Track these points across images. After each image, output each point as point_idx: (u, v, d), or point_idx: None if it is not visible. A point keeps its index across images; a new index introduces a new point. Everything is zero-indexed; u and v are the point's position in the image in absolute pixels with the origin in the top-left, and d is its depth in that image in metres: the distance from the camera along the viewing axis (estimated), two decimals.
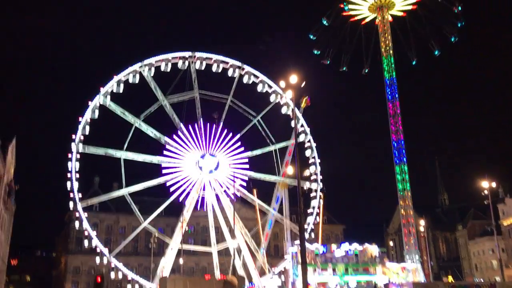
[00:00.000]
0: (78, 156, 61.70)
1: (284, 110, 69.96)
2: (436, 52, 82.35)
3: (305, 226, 68.45)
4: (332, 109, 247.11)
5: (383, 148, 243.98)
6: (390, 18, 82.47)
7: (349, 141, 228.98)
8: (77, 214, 62.27)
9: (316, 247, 67.60)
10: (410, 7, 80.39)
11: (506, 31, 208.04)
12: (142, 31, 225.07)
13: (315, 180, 71.37)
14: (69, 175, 60.73)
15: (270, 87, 70.31)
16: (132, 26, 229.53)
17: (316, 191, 71.11)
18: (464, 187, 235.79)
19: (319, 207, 71.62)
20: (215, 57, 68.64)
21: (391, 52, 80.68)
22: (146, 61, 66.04)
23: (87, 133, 62.62)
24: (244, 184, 70.84)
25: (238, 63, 69.71)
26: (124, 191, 65.36)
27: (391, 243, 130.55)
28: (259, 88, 70.02)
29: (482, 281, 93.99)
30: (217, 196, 71.11)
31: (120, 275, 63.98)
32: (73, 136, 61.87)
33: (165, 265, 69.64)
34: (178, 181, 68.18)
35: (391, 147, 78.87)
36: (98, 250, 64.22)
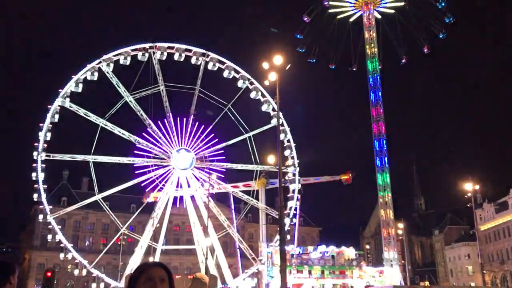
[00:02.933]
0: (44, 165, 59.58)
1: (253, 95, 67.31)
2: (425, 50, 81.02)
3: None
4: (314, 109, 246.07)
5: (360, 149, 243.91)
6: (378, 15, 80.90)
7: (328, 142, 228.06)
8: (41, 206, 60.25)
9: (292, 248, 65.84)
10: (398, 4, 78.76)
11: (492, 32, 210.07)
12: (102, 27, 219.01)
13: (292, 165, 68.93)
14: (36, 185, 58.98)
15: (237, 72, 67.39)
16: (91, 23, 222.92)
17: (293, 191, 68.79)
18: (441, 192, 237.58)
19: (296, 209, 69.46)
20: (177, 45, 65.30)
21: (375, 52, 79.01)
22: (105, 57, 62.95)
23: (48, 138, 60.33)
24: (222, 176, 68.40)
25: (202, 50, 66.58)
26: (97, 197, 63.57)
27: (367, 247, 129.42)
28: (225, 74, 66.81)
29: (462, 285, 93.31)
30: (192, 196, 68.51)
31: (84, 272, 61.00)
32: (36, 144, 59.65)
33: (134, 263, 66.71)
34: (153, 181, 65.59)
35: (371, 149, 77.33)
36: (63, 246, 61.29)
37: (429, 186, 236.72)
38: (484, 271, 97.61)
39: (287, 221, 66.85)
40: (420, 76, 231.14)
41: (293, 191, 68.46)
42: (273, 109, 67.32)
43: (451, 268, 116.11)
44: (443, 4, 75.91)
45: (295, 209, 69.24)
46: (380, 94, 77.39)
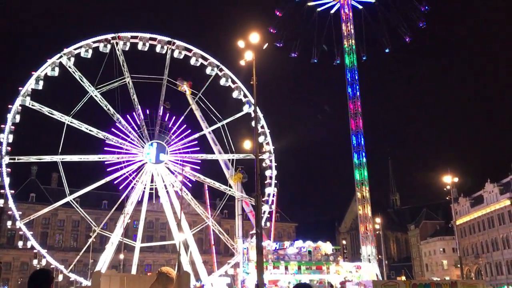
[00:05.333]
0: (9, 170, 57.17)
1: (223, 82, 65.51)
2: (407, 39, 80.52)
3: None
4: (289, 102, 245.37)
5: (337, 145, 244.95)
6: (359, 6, 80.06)
7: (303, 138, 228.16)
8: (9, 212, 58.32)
9: (268, 243, 64.51)
10: None
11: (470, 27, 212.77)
12: (64, 21, 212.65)
13: (268, 151, 67.38)
14: (2, 190, 56.76)
15: (205, 59, 65.27)
16: (52, 16, 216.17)
17: (270, 177, 67.35)
18: (415, 188, 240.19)
19: (274, 196, 68.04)
20: (141, 34, 62.75)
21: (353, 47, 78.17)
22: (65, 50, 60.10)
23: (11, 140, 57.76)
24: (198, 167, 66.39)
25: (167, 38, 64.13)
26: (69, 198, 61.21)
27: (343, 242, 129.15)
28: (193, 61, 64.60)
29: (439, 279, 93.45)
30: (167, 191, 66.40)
31: (44, 262, 59.01)
32: None
33: (105, 261, 64.38)
34: (125, 177, 63.22)
35: (348, 145, 76.66)
36: (29, 245, 58.76)
37: (404, 181, 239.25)
38: (459, 265, 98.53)
39: (265, 208, 65.49)
40: (396, 71, 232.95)
41: (270, 177, 67.02)
42: (244, 95, 65.75)
43: (427, 263, 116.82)
44: None
45: (273, 196, 67.80)
46: (357, 88, 76.65)
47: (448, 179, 49.80)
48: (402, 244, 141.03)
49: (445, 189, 51.51)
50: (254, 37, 22.87)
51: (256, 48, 23.28)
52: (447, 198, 54.40)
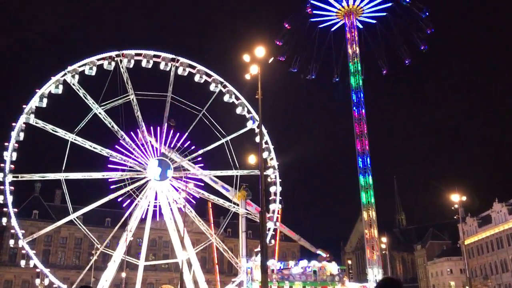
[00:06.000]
0: (12, 188, 57.24)
1: (226, 98, 65.37)
2: (407, 61, 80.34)
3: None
4: (294, 122, 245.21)
5: (342, 164, 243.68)
6: (360, 25, 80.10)
7: (309, 157, 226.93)
8: (12, 231, 58.85)
9: (272, 263, 63.45)
10: (379, 14, 78.02)
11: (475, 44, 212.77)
12: (67, 38, 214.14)
13: (272, 167, 66.78)
14: (5, 209, 56.59)
15: (209, 76, 65.20)
16: (56, 34, 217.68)
17: (275, 193, 66.67)
18: (421, 207, 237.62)
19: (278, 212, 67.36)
20: (145, 51, 62.82)
21: (359, 68, 78.09)
22: (70, 68, 60.28)
23: (14, 158, 57.78)
24: (202, 184, 65.76)
25: (171, 55, 64.31)
26: (72, 216, 60.89)
27: (349, 262, 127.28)
28: (197, 78, 64.52)
29: None
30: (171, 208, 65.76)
31: (46, 282, 58.50)
32: (2, 165, 57.10)
33: (107, 280, 63.44)
34: (129, 194, 62.85)
35: (353, 164, 76.15)
36: (31, 264, 58.01)
37: (410, 201, 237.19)
38: (467, 287, 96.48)
39: (270, 225, 64.75)
40: (399, 89, 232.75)
41: (275, 194, 66.33)
42: (248, 111, 65.59)
43: (434, 284, 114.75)
44: (427, 13, 75.41)
45: (278, 212, 67.13)
46: (363, 109, 76.41)
47: (456, 198, 48.86)
48: (408, 264, 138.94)
49: (452, 208, 50.55)
50: (260, 51, 22.53)
51: (261, 61, 22.90)
52: (454, 217, 53.39)
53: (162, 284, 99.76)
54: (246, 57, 23.11)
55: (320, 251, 73.61)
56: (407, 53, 79.55)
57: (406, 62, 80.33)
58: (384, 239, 78.99)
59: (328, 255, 72.86)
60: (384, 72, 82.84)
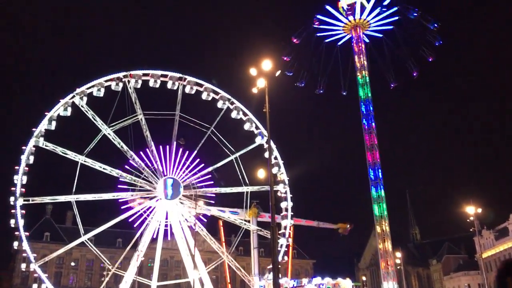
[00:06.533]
0: (23, 211, 57.14)
1: (234, 114, 65.28)
2: (414, 74, 79.97)
3: (278, 248, 63.27)
4: (303, 134, 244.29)
5: (353, 176, 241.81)
6: (366, 39, 79.97)
7: (318, 170, 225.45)
8: (24, 254, 57.47)
9: (285, 281, 62.46)
10: (386, 27, 77.96)
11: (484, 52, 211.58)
12: (75, 61, 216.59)
13: (281, 182, 66.27)
14: (16, 232, 56.37)
15: (216, 93, 65.33)
16: (64, 56, 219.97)
17: (286, 209, 66.08)
18: (436, 221, 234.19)
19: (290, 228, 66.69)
20: (152, 71, 63.12)
21: (367, 80, 77.88)
22: (78, 90, 60.62)
23: (25, 182, 57.90)
24: (212, 202, 65.31)
25: (178, 74, 64.53)
26: (83, 238, 60.90)
27: (363, 278, 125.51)
28: (204, 96, 64.55)
29: None
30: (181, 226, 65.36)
31: None
32: (13, 189, 57.24)
33: None
34: (140, 214, 62.55)
35: (364, 176, 75.32)
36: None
37: (423, 215, 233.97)
38: None
39: (282, 241, 64.39)
40: (409, 101, 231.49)
41: (286, 209, 65.78)
42: (256, 127, 65.63)
43: None
44: (435, 25, 75.14)
45: (290, 228, 66.46)
46: (373, 120, 75.91)
47: (471, 210, 47.84)
48: (424, 279, 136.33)
49: (468, 220, 49.45)
50: (266, 64, 22.30)
51: (268, 75, 22.66)
52: (470, 230, 52.31)
53: None
54: (253, 71, 22.89)
55: (339, 224, 72.59)
56: (414, 65, 79.26)
57: (414, 74, 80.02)
58: (398, 254, 77.55)
59: (349, 226, 71.93)
60: (392, 85, 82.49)
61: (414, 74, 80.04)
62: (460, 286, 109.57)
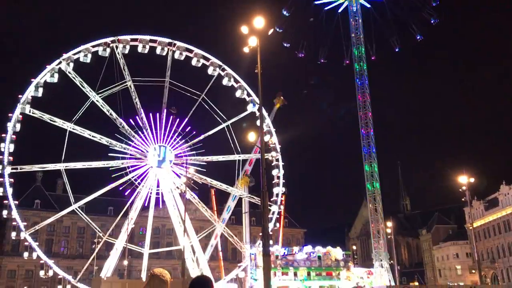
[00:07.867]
0: (11, 180, 56.01)
1: (225, 81, 64.28)
2: (418, 37, 78.66)
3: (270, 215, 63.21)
4: (297, 107, 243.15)
5: (346, 145, 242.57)
6: (367, 4, 78.36)
7: (311, 144, 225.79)
8: (14, 223, 56.72)
9: (276, 249, 62.84)
10: None
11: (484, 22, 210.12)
12: (62, 27, 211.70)
13: (273, 150, 65.93)
14: (5, 201, 55.51)
15: (206, 59, 64.05)
16: (51, 23, 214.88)
17: (278, 177, 65.86)
18: (426, 192, 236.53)
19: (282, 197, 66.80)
20: (140, 36, 61.41)
21: (363, 52, 76.58)
22: (65, 56, 58.82)
23: (12, 150, 56.49)
24: (204, 170, 64.95)
25: (168, 39, 62.93)
26: (74, 207, 59.93)
27: (353, 247, 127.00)
28: (194, 62, 63.35)
29: (456, 284, 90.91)
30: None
31: (51, 273, 58.09)
32: (0, 157, 55.90)
33: (109, 268, 62.85)
34: (131, 182, 62.01)
35: (357, 146, 74.95)
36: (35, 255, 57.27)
37: (415, 185, 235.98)
38: (474, 270, 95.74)
39: (274, 208, 64.42)
40: (407, 70, 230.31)
41: (278, 177, 65.69)
42: (248, 94, 64.77)
43: (439, 268, 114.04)
44: None
45: (281, 196, 66.64)
46: (366, 79, 75.22)
47: (464, 180, 47.68)
48: (413, 249, 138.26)
49: (460, 190, 49.31)
50: (259, 21, 21.26)
51: (261, 34, 21.65)
52: (462, 199, 52.13)
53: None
54: (244, 29, 21.87)
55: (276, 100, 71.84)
56: (418, 28, 77.94)
57: (418, 37, 78.67)
58: (389, 224, 78.01)
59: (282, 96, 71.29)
60: (397, 49, 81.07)
61: (418, 38, 78.72)
62: (448, 255, 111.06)
